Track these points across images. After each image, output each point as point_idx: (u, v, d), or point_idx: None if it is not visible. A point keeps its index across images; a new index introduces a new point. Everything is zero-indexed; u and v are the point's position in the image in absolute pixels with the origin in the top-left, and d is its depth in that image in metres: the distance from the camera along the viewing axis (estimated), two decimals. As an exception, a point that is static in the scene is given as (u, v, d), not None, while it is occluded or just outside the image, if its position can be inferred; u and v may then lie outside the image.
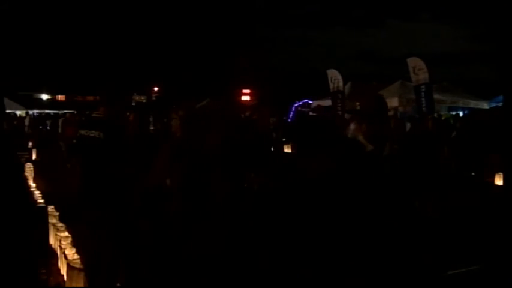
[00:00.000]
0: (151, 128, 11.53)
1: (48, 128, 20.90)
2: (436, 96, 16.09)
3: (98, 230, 3.93)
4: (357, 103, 3.38)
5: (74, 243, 4.98)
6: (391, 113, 16.33)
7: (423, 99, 14.39)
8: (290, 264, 2.74)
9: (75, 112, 23.24)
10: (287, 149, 17.49)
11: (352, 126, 3.31)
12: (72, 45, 66.95)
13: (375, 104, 3.39)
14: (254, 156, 9.26)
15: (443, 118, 15.57)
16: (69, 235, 5.27)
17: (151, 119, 12.60)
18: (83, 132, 4.10)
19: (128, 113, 6.20)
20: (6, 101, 20.94)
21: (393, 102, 18.42)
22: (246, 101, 42.80)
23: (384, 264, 2.64)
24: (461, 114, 19.67)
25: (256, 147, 9.52)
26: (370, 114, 3.23)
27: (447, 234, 5.79)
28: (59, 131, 17.65)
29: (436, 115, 15.09)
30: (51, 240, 5.67)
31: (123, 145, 4.05)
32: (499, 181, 8.64)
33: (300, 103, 26.58)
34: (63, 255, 4.72)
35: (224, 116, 3.82)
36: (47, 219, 5.91)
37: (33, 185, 9.25)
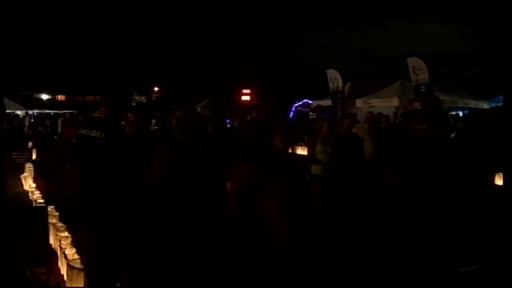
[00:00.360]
0: (155, 127, 11.55)
1: (48, 128, 20.92)
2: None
3: (98, 230, 3.92)
4: (416, 103, 3.30)
5: (74, 243, 4.98)
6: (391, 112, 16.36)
7: (423, 99, 14.37)
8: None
9: (75, 112, 23.23)
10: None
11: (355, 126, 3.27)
12: (73, 46, 66.92)
13: (436, 103, 3.32)
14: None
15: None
16: (69, 235, 5.27)
17: (153, 120, 12.65)
18: (83, 131, 4.08)
19: (128, 113, 6.18)
20: (6, 101, 20.87)
21: (393, 102, 18.43)
22: (246, 100, 42.79)
23: (398, 261, 2.63)
24: (461, 114, 19.67)
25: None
26: (432, 114, 3.16)
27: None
28: (59, 130, 17.69)
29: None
30: (51, 240, 5.67)
31: (123, 145, 4.04)
32: (499, 181, 8.63)
33: (300, 103, 26.56)
34: (63, 255, 4.72)
35: (283, 120, 3.75)
36: (47, 219, 5.91)
37: (33, 185, 9.25)
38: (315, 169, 6.31)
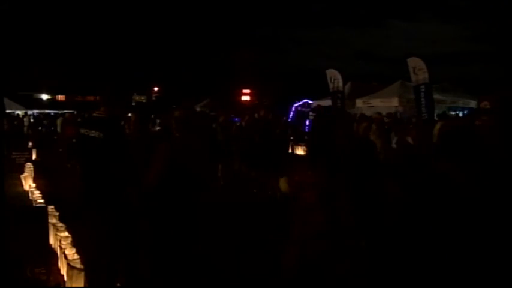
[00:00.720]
0: (158, 128, 11.55)
1: (47, 128, 20.91)
2: (436, 96, 16.07)
3: (98, 230, 3.92)
4: (485, 102, 3.24)
5: (74, 243, 4.98)
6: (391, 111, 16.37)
7: (423, 99, 14.38)
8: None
9: (75, 112, 23.23)
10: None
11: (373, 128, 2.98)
12: (72, 46, 66.93)
13: (506, 102, 3.24)
14: (274, 158, 9.17)
15: (443, 118, 15.57)
16: (69, 235, 5.28)
17: (158, 120, 12.64)
18: (83, 131, 4.08)
19: (129, 113, 6.18)
20: (6, 101, 20.83)
21: (393, 102, 18.44)
22: (246, 100, 42.79)
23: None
24: (461, 114, 19.68)
25: (275, 149, 9.45)
26: (503, 112, 3.07)
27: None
28: (58, 130, 17.71)
29: (436, 115, 15.08)
30: (51, 240, 5.67)
31: (122, 145, 4.03)
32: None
33: (300, 103, 26.54)
34: (63, 255, 4.72)
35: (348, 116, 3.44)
36: (47, 219, 5.91)
37: (33, 185, 9.25)
38: None
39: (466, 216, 2.47)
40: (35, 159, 13.05)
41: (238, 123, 12.48)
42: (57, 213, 6.17)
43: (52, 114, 31.09)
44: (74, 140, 7.62)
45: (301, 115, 25.11)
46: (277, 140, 9.78)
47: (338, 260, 2.26)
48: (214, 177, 9.63)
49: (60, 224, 5.71)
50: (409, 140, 5.70)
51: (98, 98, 4.34)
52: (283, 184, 3.15)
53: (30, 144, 15.74)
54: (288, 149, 11.69)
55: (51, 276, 4.77)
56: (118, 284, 4.04)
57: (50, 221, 5.87)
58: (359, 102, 19.85)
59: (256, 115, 11.43)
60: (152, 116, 14.48)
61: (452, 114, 18.89)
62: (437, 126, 6.20)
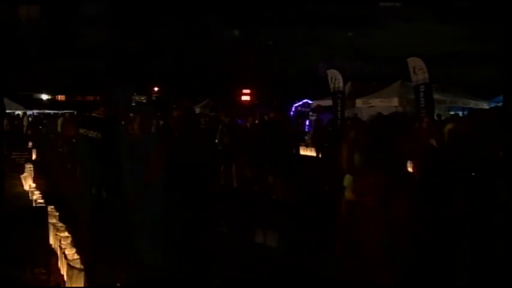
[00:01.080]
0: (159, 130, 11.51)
1: (46, 128, 20.89)
2: (436, 96, 16.07)
3: (98, 230, 3.92)
4: None
5: (74, 243, 4.98)
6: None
7: (422, 99, 14.39)
8: None
9: (75, 112, 23.22)
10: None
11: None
12: (73, 46, 66.86)
13: None
14: (281, 159, 9.13)
15: (443, 118, 15.57)
16: (69, 235, 5.27)
17: (161, 122, 12.63)
18: (82, 131, 4.09)
19: (132, 114, 6.16)
20: (6, 101, 20.82)
21: (393, 102, 18.43)
22: (246, 100, 42.79)
23: None
24: (460, 114, 19.68)
25: (283, 150, 9.40)
26: None
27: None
28: (58, 130, 17.68)
29: (436, 115, 15.08)
30: (51, 240, 5.67)
31: (121, 145, 4.03)
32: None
33: (300, 103, 26.55)
34: (63, 255, 4.72)
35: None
36: (47, 219, 5.91)
37: (33, 185, 9.25)
38: (350, 180, 5.85)
39: None
40: (35, 159, 13.03)
41: (243, 125, 12.33)
42: (57, 213, 6.17)
43: (52, 114, 31.08)
44: (74, 140, 7.62)
45: (301, 115, 25.12)
46: (287, 142, 9.71)
47: (393, 260, 2.25)
48: (215, 177, 9.60)
49: (60, 224, 5.70)
50: (433, 142, 5.44)
51: (98, 98, 4.34)
52: (348, 193, 3.13)
53: (30, 144, 15.72)
54: (299, 152, 11.61)
55: (51, 276, 4.76)
56: (118, 284, 4.04)
57: (50, 221, 5.87)
58: (359, 102, 19.84)
59: (266, 117, 11.34)
60: (155, 117, 14.43)
61: (452, 115, 18.87)
62: (448, 126, 5.99)
